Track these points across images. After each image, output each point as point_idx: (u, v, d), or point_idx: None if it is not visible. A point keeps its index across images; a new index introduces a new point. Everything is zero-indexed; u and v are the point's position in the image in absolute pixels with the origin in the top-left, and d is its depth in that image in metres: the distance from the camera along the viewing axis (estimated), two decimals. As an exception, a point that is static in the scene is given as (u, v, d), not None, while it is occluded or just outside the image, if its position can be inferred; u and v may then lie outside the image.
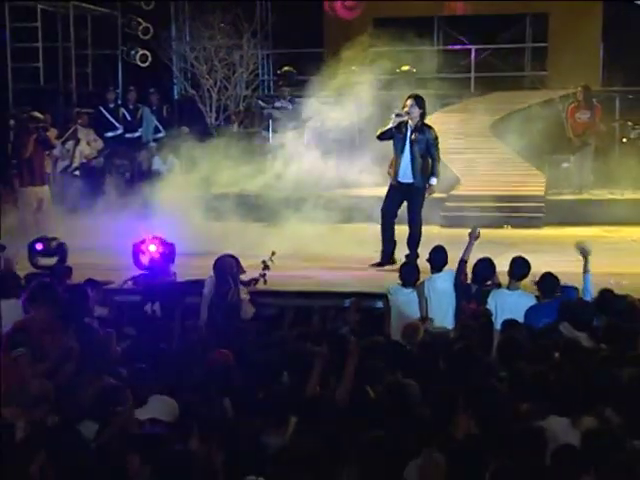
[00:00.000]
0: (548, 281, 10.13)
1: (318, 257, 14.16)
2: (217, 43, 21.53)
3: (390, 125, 13.64)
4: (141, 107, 20.89)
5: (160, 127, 20.90)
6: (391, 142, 13.89)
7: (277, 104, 20.92)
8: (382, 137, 13.93)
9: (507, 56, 23.67)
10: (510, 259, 10.89)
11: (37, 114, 16.54)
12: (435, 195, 17.41)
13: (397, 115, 13.64)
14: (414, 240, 13.61)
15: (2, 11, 19.79)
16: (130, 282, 11.68)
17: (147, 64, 22.02)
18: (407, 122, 13.55)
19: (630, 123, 19.36)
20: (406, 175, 13.62)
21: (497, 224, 17.29)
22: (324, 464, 5.88)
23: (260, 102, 21.49)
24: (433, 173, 13.69)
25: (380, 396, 7.46)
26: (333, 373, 7.61)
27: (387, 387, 7.49)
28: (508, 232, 17.20)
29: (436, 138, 13.73)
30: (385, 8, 23.58)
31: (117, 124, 20.43)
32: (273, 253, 11.68)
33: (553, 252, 14.11)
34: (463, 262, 10.76)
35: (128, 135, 20.46)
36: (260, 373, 7.91)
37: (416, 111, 13.57)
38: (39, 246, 12.23)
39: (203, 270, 11.35)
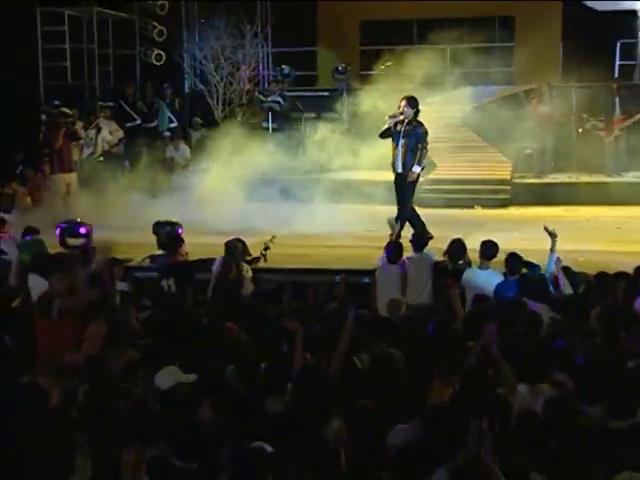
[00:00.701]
0: (512, 261, 10.16)
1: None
2: (223, 43, 21.45)
3: (386, 126, 13.75)
4: (157, 100, 20.78)
5: (173, 118, 20.79)
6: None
7: (272, 98, 20.99)
8: (382, 136, 14.02)
9: (478, 54, 23.60)
10: (481, 237, 11.03)
11: (66, 110, 16.59)
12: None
13: (391, 117, 13.72)
14: (401, 214, 13.66)
15: (34, 16, 19.74)
16: (148, 260, 11.65)
17: (161, 62, 22.00)
18: (402, 120, 13.63)
19: (585, 115, 19.29)
20: (399, 165, 13.73)
21: (468, 205, 17.46)
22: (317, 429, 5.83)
23: (260, 96, 21.44)
24: (418, 162, 13.71)
25: (367, 365, 7.46)
26: (326, 346, 7.50)
27: (373, 357, 7.51)
28: (478, 212, 17.23)
29: (425, 133, 13.77)
30: (371, 11, 23.39)
31: (135, 116, 20.34)
32: (273, 237, 11.65)
33: (518, 230, 14.22)
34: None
35: (145, 125, 20.35)
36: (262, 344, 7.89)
37: (410, 110, 13.65)
38: (67, 227, 12.16)
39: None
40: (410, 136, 13.59)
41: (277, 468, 5.22)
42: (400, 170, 13.70)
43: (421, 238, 11.00)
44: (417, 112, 13.80)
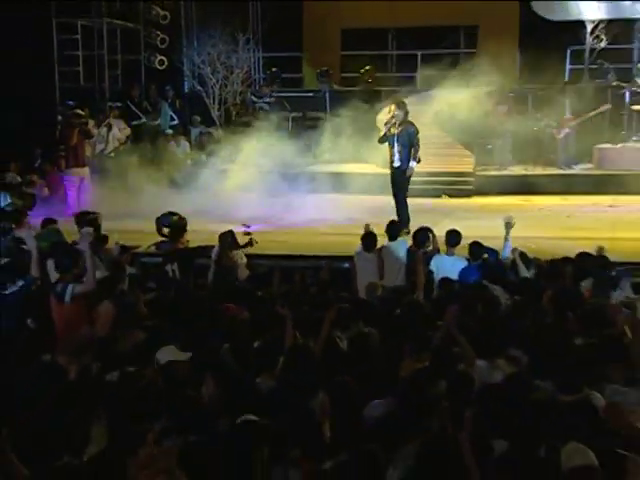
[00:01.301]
0: (475, 248, 10.15)
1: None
2: (218, 49, 21.33)
3: (382, 132, 14.03)
4: (160, 101, 20.77)
5: (174, 116, 20.77)
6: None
7: (263, 99, 21.02)
8: (381, 141, 14.17)
9: (445, 59, 23.61)
10: (448, 225, 11.16)
11: (79, 111, 16.58)
12: (386, 171, 17.58)
13: (386, 124, 13.97)
14: (399, 207, 13.80)
15: (50, 26, 19.72)
16: (153, 247, 11.51)
17: (164, 67, 21.92)
18: (394, 122, 13.71)
19: (539, 115, 19.35)
20: (395, 161, 13.80)
21: (436, 194, 17.49)
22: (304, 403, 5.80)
23: (252, 97, 21.46)
24: (414, 158, 13.79)
25: (347, 343, 7.36)
26: (311, 327, 7.46)
27: (351, 336, 7.42)
28: (445, 201, 17.32)
29: (416, 131, 13.88)
30: (351, 20, 23.30)
31: (141, 114, 20.35)
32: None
33: (480, 218, 14.18)
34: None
35: (149, 123, 20.31)
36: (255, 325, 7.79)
37: (400, 113, 13.78)
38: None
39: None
40: (404, 135, 13.69)
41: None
42: (398, 165, 13.78)
43: (393, 229, 10.87)
44: (406, 113, 13.88)
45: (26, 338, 7.45)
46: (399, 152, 13.71)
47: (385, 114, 20.07)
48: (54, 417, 5.50)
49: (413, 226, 12.07)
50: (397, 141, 13.73)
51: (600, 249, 10.00)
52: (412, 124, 13.94)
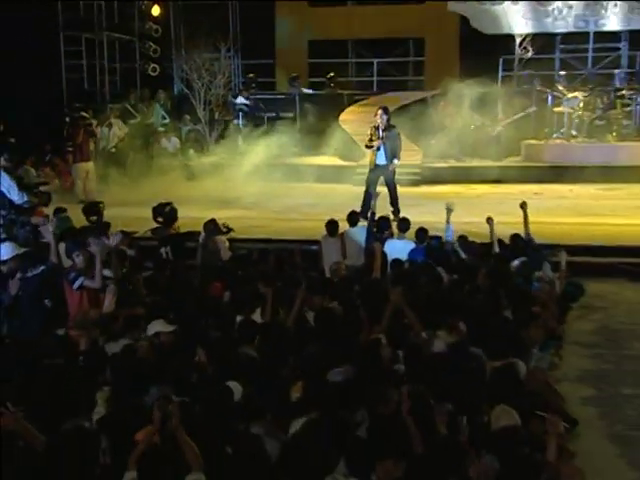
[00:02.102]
0: (420, 233, 10.09)
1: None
2: (203, 57, 21.16)
3: (368, 134, 13.72)
4: (153, 102, 20.69)
5: (166, 116, 20.62)
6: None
7: (241, 101, 20.96)
8: (368, 147, 13.85)
9: (397, 66, 23.66)
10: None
11: (84, 114, 16.53)
12: (348, 163, 17.69)
13: (372, 126, 13.73)
14: (393, 199, 13.63)
15: (58, 39, 19.58)
16: (149, 232, 11.44)
17: (156, 73, 21.81)
18: (379, 126, 13.55)
19: (476, 115, 19.28)
20: (381, 159, 13.63)
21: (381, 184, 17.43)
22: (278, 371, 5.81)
23: (233, 99, 21.38)
24: (395, 156, 13.68)
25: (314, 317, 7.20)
26: (283, 304, 7.47)
27: (317, 311, 7.25)
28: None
29: (398, 133, 13.83)
30: (316, 33, 23.24)
31: (137, 115, 20.20)
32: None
33: (427, 205, 14.09)
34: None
35: (144, 122, 20.13)
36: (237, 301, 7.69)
37: (385, 117, 13.60)
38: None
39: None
40: (387, 137, 13.53)
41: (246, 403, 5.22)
42: (383, 162, 13.60)
43: (353, 217, 10.75)
44: (389, 119, 13.75)
45: (44, 315, 7.47)
46: (384, 151, 13.56)
47: (348, 114, 20.27)
48: (65, 383, 5.43)
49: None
50: (383, 143, 13.55)
51: (528, 232, 9.93)
52: (395, 127, 13.82)
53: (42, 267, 7.69)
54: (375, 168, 13.74)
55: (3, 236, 9.06)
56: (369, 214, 10.77)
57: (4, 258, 7.77)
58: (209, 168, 17.38)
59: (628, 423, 6.39)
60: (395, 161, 13.73)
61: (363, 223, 10.80)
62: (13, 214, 9.55)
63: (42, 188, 10.83)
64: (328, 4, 23.49)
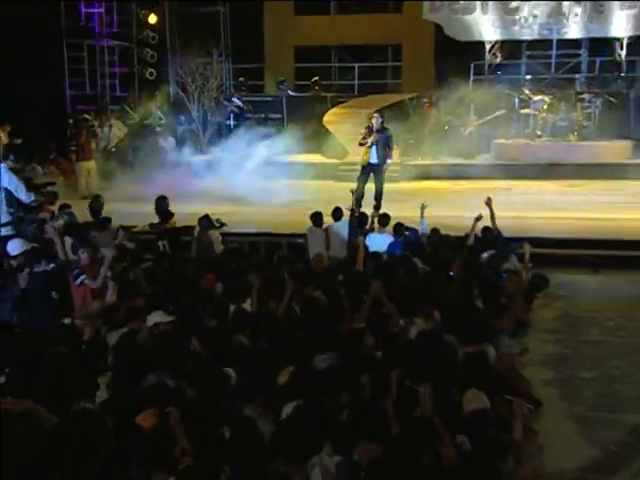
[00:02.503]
0: (398, 228, 10.14)
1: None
2: (196, 62, 21.12)
3: (362, 136, 13.68)
4: (150, 104, 20.56)
5: (162, 117, 20.62)
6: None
7: (233, 103, 20.92)
8: (361, 145, 13.81)
9: (376, 71, 23.65)
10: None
11: (87, 116, 16.51)
12: (332, 161, 17.66)
13: (366, 128, 13.71)
14: (378, 194, 13.63)
15: (62, 46, 19.50)
16: (148, 226, 11.40)
17: (153, 77, 21.73)
18: (373, 127, 13.55)
19: (450, 117, 19.48)
20: (373, 159, 13.62)
21: (370, 180, 17.42)
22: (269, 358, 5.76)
23: (225, 101, 21.34)
24: (388, 156, 13.72)
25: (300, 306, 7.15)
26: (273, 295, 7.36)
27: (303, 300, 7.21)
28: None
29: (391, 135, 13.78)
30: (302, 39, 23.17)
31: (135, 116, 20.17)
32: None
33: (404, 201, 13.82)
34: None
35: (142, 123, 20.13)
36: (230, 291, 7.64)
37: (379, 120, 13.60)
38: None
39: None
40: (380, 139, 13.52)
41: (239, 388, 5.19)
42: (376, 162, 13.58)
43: (337, 212, 10.68)
44: (383, 121, 13.72)
45: (51, 306, 7.46)
46: (376, 151, 13.53)
47: (331, 115, 20.28)
48: (71, 368, 5.42)
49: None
50: (375, 142, 13.52)
51: (495, 227, 9.88)
52: (388, 129, 13.77)
53: (49, 263, 7.67)
54: (367, 166, 13.74)
55: (12, 233, 9.07)
56: (351, 209, 10.78)
57: (14, 254, 7.77)
58: (203, 165, 17.33)
59: (586, 404, 6.46)
60: (388, 161, 13.79)
61: (347, 218, 10.77)
62: (21, 212, 9.53)
63: (49, 188, 10.68)
64: (313, 13, 23.49)
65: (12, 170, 9.63)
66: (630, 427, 6.00)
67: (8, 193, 9.50)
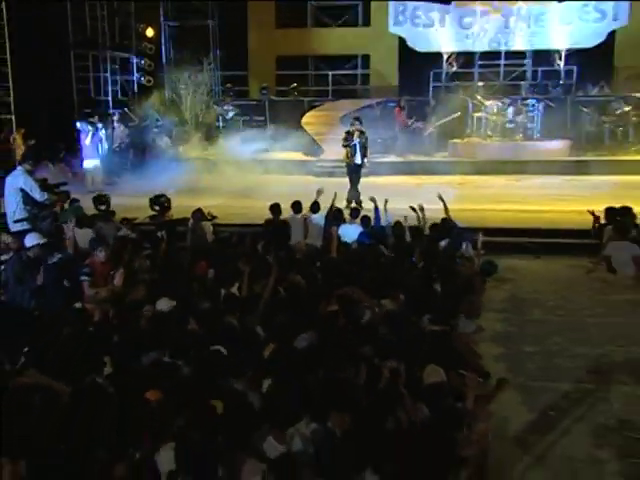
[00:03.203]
0: (364, 220, 10.11)
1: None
2: (189, 70, 21.00)
3: (345, 138, 13.74)
4: (148, 108, 20.37)
5: (160, 118, 20.32)
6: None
7: (222, 107, 20.79)
8: (344, 146, 13.83)
9: (348, 78, 23.57)
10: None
11: (92, 119, 16.26)
12: (309, 158, 17.58)
13: (347, 133, 13.78)
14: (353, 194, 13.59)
15: (69, 56, 19.15)
16: (148, 218, 11.29)
17: (150, 84, 21.55)
18: (354, 132, 13.64)
19: (413, 118, 19.47)
20: (356, 159, 13.69)
21: (343, 175, 17.02)
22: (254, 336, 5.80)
23: (214, 105, 21.20)
24: (365, 156, 13.80)
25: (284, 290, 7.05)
26: (258, 280, 7.23)
27: (286, 285, 7.15)
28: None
29: (367, 138, 13.84)
30: (283, 49, 23.02)
31: (135, 118, 19.98)
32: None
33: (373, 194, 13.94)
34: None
35: (141, 124, 19.92)
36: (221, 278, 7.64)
37: (360, 125, 13.74)
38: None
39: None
40: (360, 142, 13.62)
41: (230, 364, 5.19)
42: (359, 162, 13.69)
43: (315, 206, 10.56)
44: (361, 125, 13.83)
45: (64, 293, 7.45)
46: (360, 152, 13.61)
47: (309, 117, 20.25)
48: (80, 349, 5.40)
49: (324, 200, 11.16)
50: (358, 145, 13.62)
51: (449, 217, 9.88)
52: (364, 132, 13.83)
53: (60, 256, 7.63)
54: (354, 166, 13.79)
55: (28, 227, 9.02)
56: (346, 203, 10.75)
57: (29, 245, 7.73)
58: (195, 162, 17.23)
59: (529, 375, 6.51)
60: (365, 160, 13.84)
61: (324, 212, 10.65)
62: (36, 210, 9.47)
63: (61, 188, 10.60)
64: (292, 26, 23.31)
65: (28, 172, 9.55)
66: (564, 394, 6.08)
67: (24, 193, 9.43)
